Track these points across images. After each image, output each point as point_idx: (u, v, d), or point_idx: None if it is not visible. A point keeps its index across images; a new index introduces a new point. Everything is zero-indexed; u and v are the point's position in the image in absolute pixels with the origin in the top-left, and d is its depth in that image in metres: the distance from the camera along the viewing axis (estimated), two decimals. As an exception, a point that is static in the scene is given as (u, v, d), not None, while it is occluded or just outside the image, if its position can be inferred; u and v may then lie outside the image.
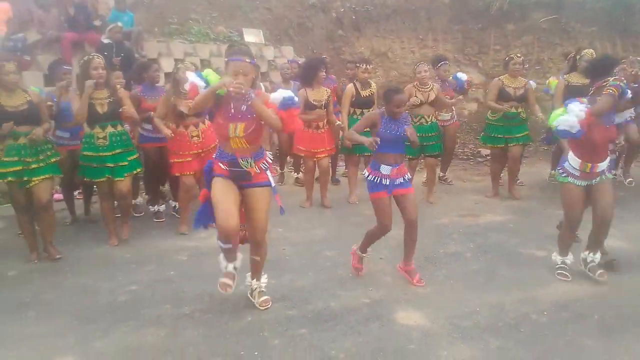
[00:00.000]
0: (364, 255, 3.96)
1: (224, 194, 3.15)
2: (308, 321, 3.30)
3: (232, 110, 3.13)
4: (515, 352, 2.97)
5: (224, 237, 3.18)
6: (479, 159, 8.22)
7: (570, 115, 3.50)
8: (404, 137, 3.69)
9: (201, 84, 3.47)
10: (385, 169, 3.68)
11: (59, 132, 4.98)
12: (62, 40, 6.96)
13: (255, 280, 3.48)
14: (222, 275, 3.25)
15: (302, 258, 4.34)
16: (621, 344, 3.07)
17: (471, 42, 10.59)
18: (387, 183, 3.68)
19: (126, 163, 4.60)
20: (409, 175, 3.84)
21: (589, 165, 3.67)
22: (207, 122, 4.88)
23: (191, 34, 8.66)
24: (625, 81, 3.54)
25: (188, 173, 4.83)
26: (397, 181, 3.70)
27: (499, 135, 5.96)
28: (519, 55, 6.12)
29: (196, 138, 4.80)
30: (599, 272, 3.80)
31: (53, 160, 4.36)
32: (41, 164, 4.23)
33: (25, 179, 4.17)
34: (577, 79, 5.60)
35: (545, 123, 4.76)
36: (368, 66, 5.78)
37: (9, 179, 4.14)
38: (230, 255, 3.33)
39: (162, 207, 5.41)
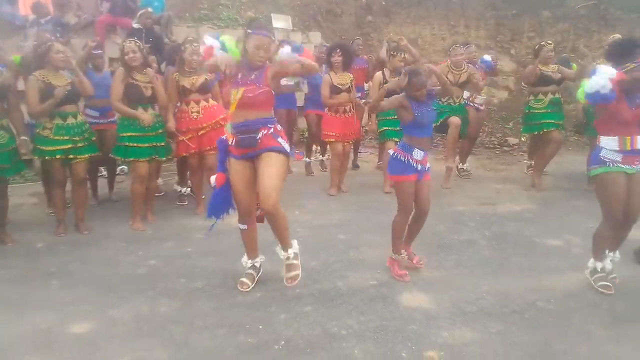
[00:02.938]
0: (399, 256, 3.75)
1: (237, 177, 3.29)
2: (314, 299, 3.39)
3: (240, 78, 3.20)
4: (516, 337, 2.97)
5: (239, 217, 3.39)
6: (505, 148, 8.08)
7: (600, 76, 3.25)
8: (433, 117, 3.66)
9: (216, 44, 3.29)
10: (418, 154, 3.56)
11: (88, 110, 5.16)
12: (96, 24, 7.21)
13: (281, 250, 3.34)
14: (244, 275, 3.50)
15: (315, 240, 4.42)
16: (628, 333, 3.02)
17: (504, 28, 10.35)
18: (419, 168, 3.59)
19: (164, 144, 4.76)
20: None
21: (629, 139, 3.30)
22: (210, 100, 4.96)
23: (220, 19, 8.81)
24: None
25: (192, 152, 4.91)
26: (426, 167, 3.65)
27: (551, 121, 5.80)
28: (550, 42, 6.01)
29: (196, 114, 4.88)
30: (612, 275, 3.55)
31: (93, 139, 4.61)
32: (85, 143, 4.49)
33: (71, 156, 4.40)
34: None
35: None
36: (405, 55, 5.79)
37: (58, 156, 4.36)
38: (250, 245, 3.49)
39: (187, 190, 5.54)
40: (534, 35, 10.03)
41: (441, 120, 5.66)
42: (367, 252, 4.16)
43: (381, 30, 10.25)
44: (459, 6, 10.55)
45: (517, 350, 2.85)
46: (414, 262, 3.84)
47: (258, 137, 3.16)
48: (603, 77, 3.24)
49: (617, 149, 3.35)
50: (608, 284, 3.48)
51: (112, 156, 4.98)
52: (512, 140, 8.27)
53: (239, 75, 3.23)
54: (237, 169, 3.30)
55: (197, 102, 4.91)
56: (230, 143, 3.30)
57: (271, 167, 3.14)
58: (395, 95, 3.73)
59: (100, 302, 3.36)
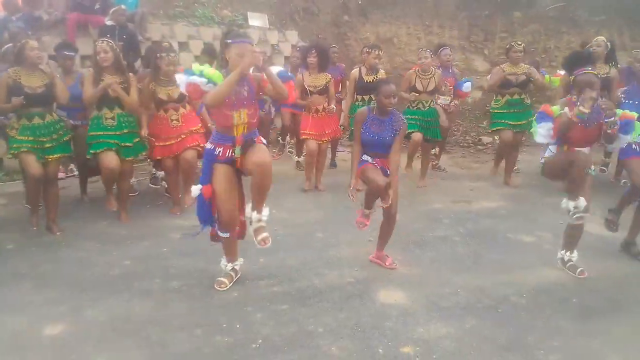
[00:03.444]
0: (368, 211, 3.87)
1: (223, 185, 3.26)
2: (292, 298, 3.40)
3: (234, 98, 3.17)
4: (490, 331, 3.04)
5: (224, 226, 3.36)
6: (480, 147, 8.23)
7: (542, 130, 3.68)
8: (385, 142, 3.62)
9: (201, 80, 3.17)
10: (367, 157, 3.75)
11: (58, 111, 5.04)
12: (66, 21, 7.05)
13: (255, 212, 3.32)
14: (222, 275, 3.49)
15: (293, 238, 4.42)
16: (597, 327, 3.13)
17: (477, 29, 10.52)
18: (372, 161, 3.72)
19: (131, 145, 4.69)
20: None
21: (566, 147, 3.69)
22: (187, 106, 4.92)
23: (196, 17, 8.70)
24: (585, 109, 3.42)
25: (169, 156, 4.87)
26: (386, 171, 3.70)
27: (505, 121, 5.98)
28: (519, 42, 6.14)
29: (176, 122, 4.83)
30: (579, 270, 3.76)
31: (66, 138, 4.54)
32: (54, 144, 4.41)
33: (40, 155, 4.33)
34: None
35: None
36: (379, 52, 5.82)
37: (24, 149, 4.27)
38: (230, 251, 3.48)
39: (161, 173, 5.50)
40: (506, 36, 10.22)
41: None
42: (345, 250, 4.18)
43: (358, 29, 10.29)
44: (433, 6, 10.68)
45: (490, 343, 2.92)
46: (387, 264, 3.88)
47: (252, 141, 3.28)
48: (545, 132, 3.67)
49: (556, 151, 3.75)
50: (582, 269, 3.77)
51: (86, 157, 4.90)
52: (485, 139, 8.43)
53: (232, 96, 3.16)
54: (224, 175, 3.27)
55: (176, 110, 4.86)
56: (218, 153, 3.25)
57: (261, 146, 3.29)
58: (361, 109, 3.81)
59: (73, 304, 3.30)
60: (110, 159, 4.57)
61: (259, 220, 3.34)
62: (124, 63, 4.73)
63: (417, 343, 2.91)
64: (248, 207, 3.39)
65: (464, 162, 7.42)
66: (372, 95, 5.80)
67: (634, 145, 4.09)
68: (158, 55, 4.80)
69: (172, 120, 4.83)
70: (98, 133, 4.59)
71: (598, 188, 5.88)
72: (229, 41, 3.20)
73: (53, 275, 3.72)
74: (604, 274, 3.81)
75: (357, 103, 5.91)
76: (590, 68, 3.62)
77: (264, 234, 3.33)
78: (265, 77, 3.28)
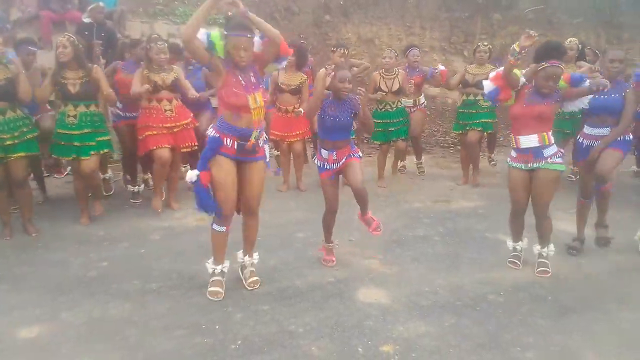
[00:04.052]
0: (330, 245, 3.97)
1: (226, 177, 3.22)
2: (272, 298, 3.39)
3: (243, 81, 3.13)
4: (468, 329, 3.08)
5: (222, 220, 3.31)
6: (459, 147, 8.30)
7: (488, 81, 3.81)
8: (344, 124, 3.65)
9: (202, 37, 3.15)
10: (324, 153, 3.74)
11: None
12: (41, 19, 6.92)
13: (247, 256, 3.56)
14: (210, 284, 3.39)
15: (274, 239, 4.41)
16: (572, 323, 3.18)
17: (458, 30, 10.64)
18: (330, 167, 3.72)
19: (94, 143, 4.57)
20: (359, 153, 3.82)
21: (513, 138, 3.73)
22: (179, 100, 4.95)
23: (176, 15, 8.64)
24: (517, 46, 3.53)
25: (163, 146, 4.80)
26: (340, 163, 3.72)
27: (462, 122, 6.13)
28: (485, 44, 6.27)
29: (169, 112, 4.83)
30: (541, 269, 3.83)
31: (29, 136, 4.37)
32: (16, 141, 4.25)
33: (1, 155, 4.19)
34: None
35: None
36: (345, 50, 5.84)
37: None
38: (220, 249, 3.41)
39: (141, 188, 5.44)
40: (486, 37, 10.34)
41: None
42: (325, 250, 4.19)
43: (339, 29, 10.33)
44: (415, 7, 10.77)
45: (468, 341, 2.95)
46: (371, 229, 3.81)
47: (256, 145, 3.26)
48: (488, 82, 3.80)
49: (513, 146, 3.78)
50: (516, 261, 3.96)
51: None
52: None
53: (240, 78, 3.13)
54: (227, 168, 3.22)
55: (170, 100, 4.85)
56: (225, 143, 3.19)
57: (260, 175, 3.36)
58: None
59: (50, 306, 3.25)
60: (75, 164, 4.55)
61: (252, 264, 3.59)
62: (86, 63, 4.59)
63: (397, 342, 2.93)
64: (239, 254, 3.58)
65: (444, 162, 7.50)
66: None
67: (584, 143, 4.19)
68: (147, 46, 4.80)
69: (165, 111, 4.82)
70: (60, 131, 4.51)
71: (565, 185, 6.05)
72: (225, 32, 3.12)
73: (29, 278, 3.65)
74: (577, 272, 3.89)
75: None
76: (560, 64, 3.56)
77: (254, 278, 3.54)
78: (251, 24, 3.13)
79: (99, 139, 4.63)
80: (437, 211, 5.27)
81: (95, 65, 4.66)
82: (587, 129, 4.20)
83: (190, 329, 3.00)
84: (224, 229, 3.35)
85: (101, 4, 6.80)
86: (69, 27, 7.02)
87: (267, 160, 3.43)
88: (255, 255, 3.60)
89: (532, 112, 3.59)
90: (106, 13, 6.95)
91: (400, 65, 6.35)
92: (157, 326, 3.03)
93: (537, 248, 3.90)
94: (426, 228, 4.79)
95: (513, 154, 3.79)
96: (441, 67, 6.63)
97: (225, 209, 3.27)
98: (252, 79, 3.20)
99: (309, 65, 6.81)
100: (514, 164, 3.78)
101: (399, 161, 6.59)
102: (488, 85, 3.81)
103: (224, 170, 3.21)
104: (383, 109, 5.94)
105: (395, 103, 5.95)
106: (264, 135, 3.36)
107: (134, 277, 3.66)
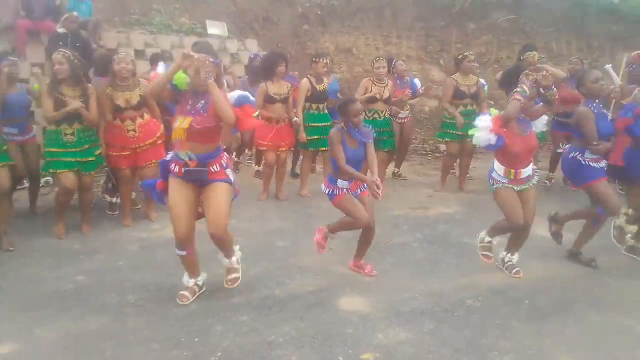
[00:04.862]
0: (331, 235, 3.96)
1: (178, 199, 3.21)
2: (252, 308, 3.38)
3: (189, 106, 3.15)
4: (447, 334, 3.12)
5: (177, 243, 3.30)
6: (437, 154, 8.42)
7: (481, 131, 3.72)
8: (360, 158, 3.73)
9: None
10: (342, 184, 3.72)
11: (6, 128, 4.70)
12: (16, 28, 6.81)
13: (225, 258, 3.46)
14: (184, 289, 3.42)
15: (254, 248, 4.39)
16: (547, 326, 3.25)
17: (433, 40, 10.80)
18: (354, 193, 3.77)
19: (94, 158, 4.56)
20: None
21: (513, 172, 3.75)
22: (145, 116, 4.78)
23: (152, 24, 8.57)
24: (526, 86, 3.56)
25: (123, 167, 4.75)
26: (357, 192, 3.78)
27: (455, 132, 6.08)
28: (471, 53, 6.35)
29: (132, 132, 4.68)
30: (514, 270, 3.94)
31: (4, 148, 4.31)
32: None
33: None
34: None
35: None
36: (327, 60, 5.88)
37: None
38: (190, 267, 3.42)
39: (119, 200, 5.34)
40: (461, 46, 10.53)
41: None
42: (306, 259, 4.19)
43: (317, 39, 10.38)
44: (391, 17, 10.91)
45: (447, 347, 2.99)
46: (366, 271, 3.94)
47: (209, 171, 3.19)
48: (484, 132, 3.70)
49: (503, 175, 3.78)
50: (489, 254, 4.04)
51: (39, 169, 4.74)
52: (443, 146, 8.61)
53: (189, 103, 3.16)
54: (179, 189, 3.23)
55: (133, 120, 4.69)
56: (173, 169, 3.21)
57: (221, 196, 3.21)
58: (333, 130, 3.79)
59: (24, 321, 3.17)
60: (68, 179, 4.43)
61: (229, 264, 3.47)
62: (81, 74, 4.54)
63: (377, 349, 2.94)
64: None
65: (422, 170, 7.58)
66: (325, 103, 5.89)
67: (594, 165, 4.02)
68: (112, 59, 4.71)
69: (128, 131, 4.69)
70: (57, 150, 4.40)
71: (547, 193, 6.19)
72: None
73: (2, 292, 3.56)
74: (552, 276, 3.98)
75: (310, 111, 5.92)
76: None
77: (235, 275, 3.46)
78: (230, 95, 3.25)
79: (97, 152, 4.59)
80: (416, 218, 5.33)
81: (90, 85, 4.58)
82: (588, 155, 4.01)
83: (169, 342, 2.97)
84: (184, 252, 3.34)
85: (75, 13, 6.72)
86: (43, 38, 6.92)
87: (232, 180, 3.30)
88: (234, 257, 3.46)
89: (530, 146, 3.75)
90: (80, 23, 6.85)
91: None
92: (134, 340, 2.98)
93: (507, 255, 3.99)
94: (405, 235, 4.83)
95: (503, 180, 3.78)
96: (417, 82, 6.74)
97: (176, 229, 3.23)
98: (200, 104, 3.15)
99: (295, 80, 6.85)
100: (508, 185, 3.78)
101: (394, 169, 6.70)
102: (486, 137, 3.70)
103: (175, 190, 3.23)
104: (372, 117, 5.91)
105: (384, 112, 5.96)
106: (223, 160, 3.27)
107: (111, 290, 3.60)
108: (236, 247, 3.51)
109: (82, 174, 4.51)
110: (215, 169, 3.21)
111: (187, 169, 3.16)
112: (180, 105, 3.22)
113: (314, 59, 5.90)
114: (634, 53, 5.59)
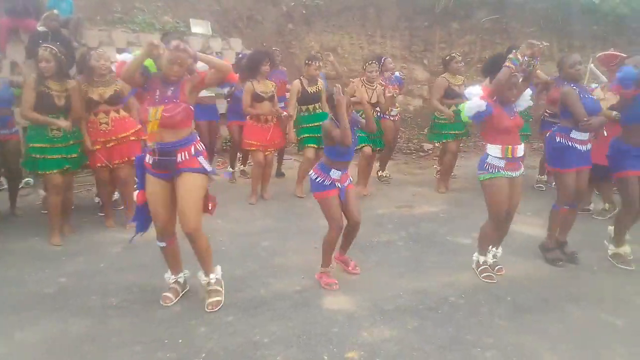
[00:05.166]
0: (329, 269, 3.79)
1: (153, 190, 3.21)
2: (237, 309, 3.36)
3: (158, 95, 3.13)
4: (431, 331, 3.14)
5: (157, 233, 3.31)
6: (421, 154, 8.49)
7: (472, 99, 3.64)
8: (355, 143, 3.72)
9: (129, 57, 3.34)
10: (335, 174, 3.64)
11: None
12: (-2, 27, 6.70)
13: (202, 274, 3.39)
14: (167, 290, 3.42)
15: (239, 248, 4.39)
16: (530, 324, 3.28)
17: (417, 39, 10.86)
18: (338, 185, 3.67)
19: (77, 155, 4.49)
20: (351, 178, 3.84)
21: (510, 148, 3.63)
22: (122, 112, 4.73)
23: (135, 23, 8.47)
24: (520, 54, 3.53)
25: (100, 165, 4.67)
26: (345, 184, 3.73)
27: (450, 131, 6.11)
28: (459, 54, 6.41)
29: (105, 125, 4.62)
30: (497, 267, 3.96)
31: None
32: None
33: None
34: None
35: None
36: (320, 63, 5.89)
37: None
38: (171, 260, 3.41)
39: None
40: (445, 47, 10.63)
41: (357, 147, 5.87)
42: (292, 258, 4.20)
43: (302, 38, 10.38)
44: (376, 17, 10.94)
45: (431, 343, 3.01)
46: (350, 268, 3.94)
47: (177, 161, 3.14)
48: (475, 99, 3.64)
49: (500, 156, 3.66)
50: (491, 274, 3.88)
51: (20, 168, 4.65)
52: (427, 145, 8.70)
53: (157, 93, 3.14)
54: (154, 188, 3.22)
55: (107, 113, 4.64)
56: (147, 161, 3.20)
57: (191, 189, 3.15)
58: (326, 122, 3.71)
59: (4, 325, 3.12)
60: (57, 177, 4.37)
61: (209, 284, 3.38)
62: (69, 73, 4.50)
63: (362, 347, 2.95)
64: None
65: (407, 169, 7.63)
66: (315, 105, 5.90)
67: (579, 147, 3.99)
68: (89, 55, 4.68)
69: (100, 124, 4.61)
70: (44, 145, 4.32)
71: (531, 191, 6.27)
72: (165, 46, 3.14)
73: (-20, 296, 3.50)
74: (535, 273, 4.03)
75: (301, 114, 5.95)
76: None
77: (215, 299, 3.35)
78: (199, 67, 3.23)
79: (80, 149, 4.53)
80: (400, 216, 5.36)
81: (76, 80, 4.54)
82: (575, 134, 4.00)
83: (153, 344, 2.94)
84: (163, 244, 3.35)
85: (55, 11, 6.62)
86: (22, 36, 6.81)
87: (206, 169, 3.22)
88: (213, 275, 3.38)
89: (518, 123, 3.72)
90: (61, 21, 6.76)
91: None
92: (117, 342, 2.95)
93: (491, 249, 3.99)
94: (390, 233, 4.85)
95: (500, 163, 3.66)
96: (398, 73, 6.82)
97: (154, 218, 3.29)
98: (170, 92, 3.14)
99: (285, 76, 6.86)
100: (504, 173, 3.68)
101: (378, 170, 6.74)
102: (477, 104, 3.61)
103: (150, 189, 3.23)
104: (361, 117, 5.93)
105: (374, 112, 5.99)
106: (195, 146, 3.21)
107: (93, 292, 3.56)
108: (218, 267, 3.43)
109: (69, 170, 4.45)
110: (184, 157, 3.14)
111: (156, 158, 3.14)
112: (148, 95, 3.17)
113: (306, 62, 5.91)
114: (599, 54, 5.66)
